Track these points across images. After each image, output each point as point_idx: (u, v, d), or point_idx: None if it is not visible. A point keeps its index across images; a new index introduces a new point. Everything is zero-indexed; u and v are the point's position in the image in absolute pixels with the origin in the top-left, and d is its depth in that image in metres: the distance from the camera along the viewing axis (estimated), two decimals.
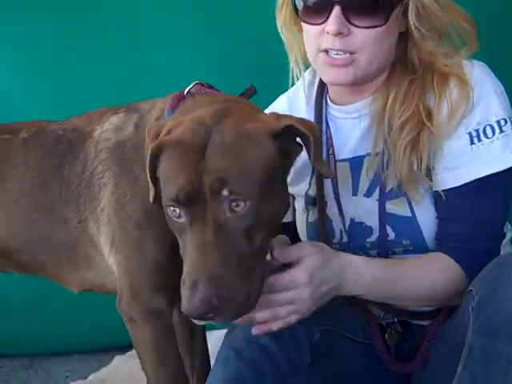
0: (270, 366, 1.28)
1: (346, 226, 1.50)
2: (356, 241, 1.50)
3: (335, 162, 1.52)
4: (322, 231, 1.51)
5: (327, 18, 1.37)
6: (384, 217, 1.45)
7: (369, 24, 1.37)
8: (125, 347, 2.45)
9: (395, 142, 1.41)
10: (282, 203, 1.22)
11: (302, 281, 1.25)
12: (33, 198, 1.48)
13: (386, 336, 1.51)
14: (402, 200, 1.44)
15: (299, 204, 1.60)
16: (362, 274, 1.33)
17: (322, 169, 1.24)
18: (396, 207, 1.45)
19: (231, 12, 2.29)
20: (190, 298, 1.08)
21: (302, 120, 1.23)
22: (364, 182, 1.50)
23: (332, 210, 1.52)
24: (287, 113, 1.54)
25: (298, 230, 1.62)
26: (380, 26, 1.38)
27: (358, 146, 1.51)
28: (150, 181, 1.24)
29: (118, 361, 2.43)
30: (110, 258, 1.44)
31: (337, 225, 1.52)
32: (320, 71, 1.47)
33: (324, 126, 1.54)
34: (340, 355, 1.47)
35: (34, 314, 2.52)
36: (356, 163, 1.51)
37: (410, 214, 1.44)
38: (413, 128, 1.40)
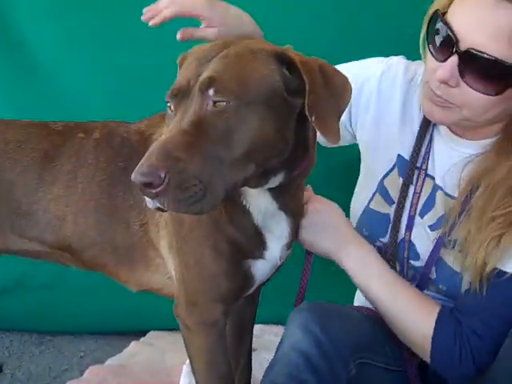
0: None
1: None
2: (401, 255, 1.50)
3: (425, 176, 1.48)
4: (380, 224, 1.51)
5: (443, 60, 1.31)
6: (434, 258, 1.44)
7: (479, 88, 1.28)
8: (139, 332, 2.50)
9: (480, 227, 1.32)
10: (273, 133, 1.17)
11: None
12: (100, 201, 1.49)
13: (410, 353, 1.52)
14: (459, 256, 1.39)
15: (368, 182, 1.58)
16: (363, 258, 1.46)
17: (317, 125, 1.17)
18: (450, 258, 1.43)
19: None
20: (140, 165, 1.08)
21: (306, 61, 1.19)
22: (434, 214, 1.47)
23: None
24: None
25: (353, 202, 1.61)
26: (490, 95, 1.29)
27: (447, 174, 1.46)
28: None
29: (135, 346, 2.43)
30: (169, 262, 1.47)
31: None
32: (422, 97, 1.42)
33: (429, 136, 1.49)
34: None
35: (45, 293, 2.50)
36: (437, 189, 1.48)
37: (459, 270, 1.41)
38: (506, 225, 1.30)
